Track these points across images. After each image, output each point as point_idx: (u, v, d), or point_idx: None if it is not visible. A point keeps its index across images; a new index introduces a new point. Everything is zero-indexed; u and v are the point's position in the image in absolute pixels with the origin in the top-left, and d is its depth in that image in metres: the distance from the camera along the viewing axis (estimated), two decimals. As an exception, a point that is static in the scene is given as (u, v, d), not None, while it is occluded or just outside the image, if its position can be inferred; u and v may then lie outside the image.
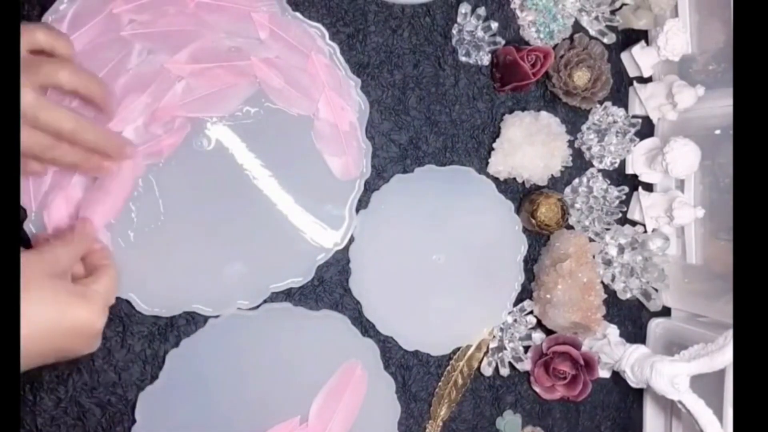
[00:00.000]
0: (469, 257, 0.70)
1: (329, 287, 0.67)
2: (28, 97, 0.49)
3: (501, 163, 0.71)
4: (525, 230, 0.73)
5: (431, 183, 0.70)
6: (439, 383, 0.71)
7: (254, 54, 0.63)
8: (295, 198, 0.65)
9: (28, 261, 0.48)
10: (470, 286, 0.70)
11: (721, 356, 0.62)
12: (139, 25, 0.60)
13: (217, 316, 0.63)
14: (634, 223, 0.76)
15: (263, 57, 0.63)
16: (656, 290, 0.74)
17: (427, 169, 0.70)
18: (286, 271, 0.65)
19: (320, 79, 0.65)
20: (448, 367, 0.71)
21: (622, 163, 0.76)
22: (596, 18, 0.74)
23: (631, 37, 0.76)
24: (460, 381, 0.71)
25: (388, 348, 0.69)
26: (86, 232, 0.57)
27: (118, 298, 0.62)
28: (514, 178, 0.73)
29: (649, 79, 0.76)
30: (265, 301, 0.64)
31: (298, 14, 0.65)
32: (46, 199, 0.59)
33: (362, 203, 0.68)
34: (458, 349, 0.71)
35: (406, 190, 0.69)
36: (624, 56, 0.76)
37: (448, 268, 0.70)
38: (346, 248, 0.67)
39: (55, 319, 0.48)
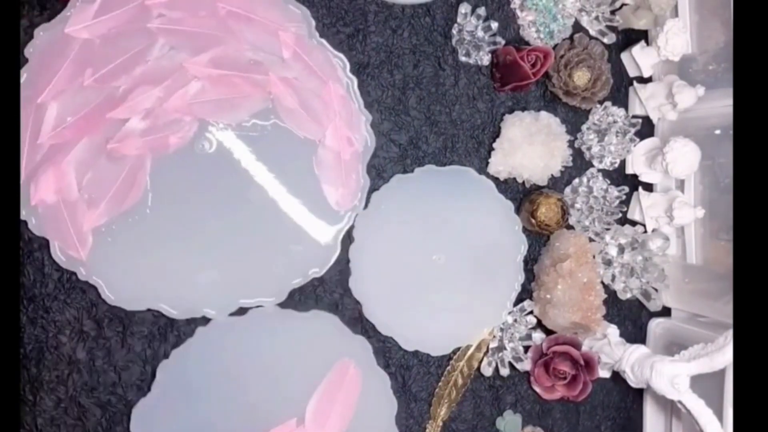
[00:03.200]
0: (469, 257, 0.70)
1: (329, 287, 0.67)
2: None
3: (501, 163, 0.71)
4: (525, 230, 0.73)
5: (431, 183, 0.70)
6: (439, 383, 0.71)
7: (273, 71, 0.63)
8: (282, 219, 0.64)
9: None
10: (470, 287, 0.70)
11: (721, 356, 0.62)
12: (168, 21, 0.60)
13: (208, 321, 0.63)
14: (634, 223, 0.76)
15: (282, 75, 0.63)
16: (656, 290, 0.74)
17: (427, 169, 0.70)
18: (261, 288, 0.64)
19: (333, 107, 0.65)
20: (448, 367, 0.71)
21: (622, 163, 0.76)
22: (596, 18, 0.74)
23: (631, 37, 0.76)
24: (460, 381, 0.71)
25: (388, 348, 0.69)
26: None
27: (85, 282, 0.60)
28: (514, 178, 0.73)
29: (649, 79, 0.76)
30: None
31: (324, 41, 0.64)
32: (37, 170, 0.58)
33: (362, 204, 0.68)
34: (458, 349, 0.71)
35: (406, 190, 0.69)
36: (624, 56, 0.76)
37: (448, 268, 0.70)
38: (346, 248, 0.67)
39: None
